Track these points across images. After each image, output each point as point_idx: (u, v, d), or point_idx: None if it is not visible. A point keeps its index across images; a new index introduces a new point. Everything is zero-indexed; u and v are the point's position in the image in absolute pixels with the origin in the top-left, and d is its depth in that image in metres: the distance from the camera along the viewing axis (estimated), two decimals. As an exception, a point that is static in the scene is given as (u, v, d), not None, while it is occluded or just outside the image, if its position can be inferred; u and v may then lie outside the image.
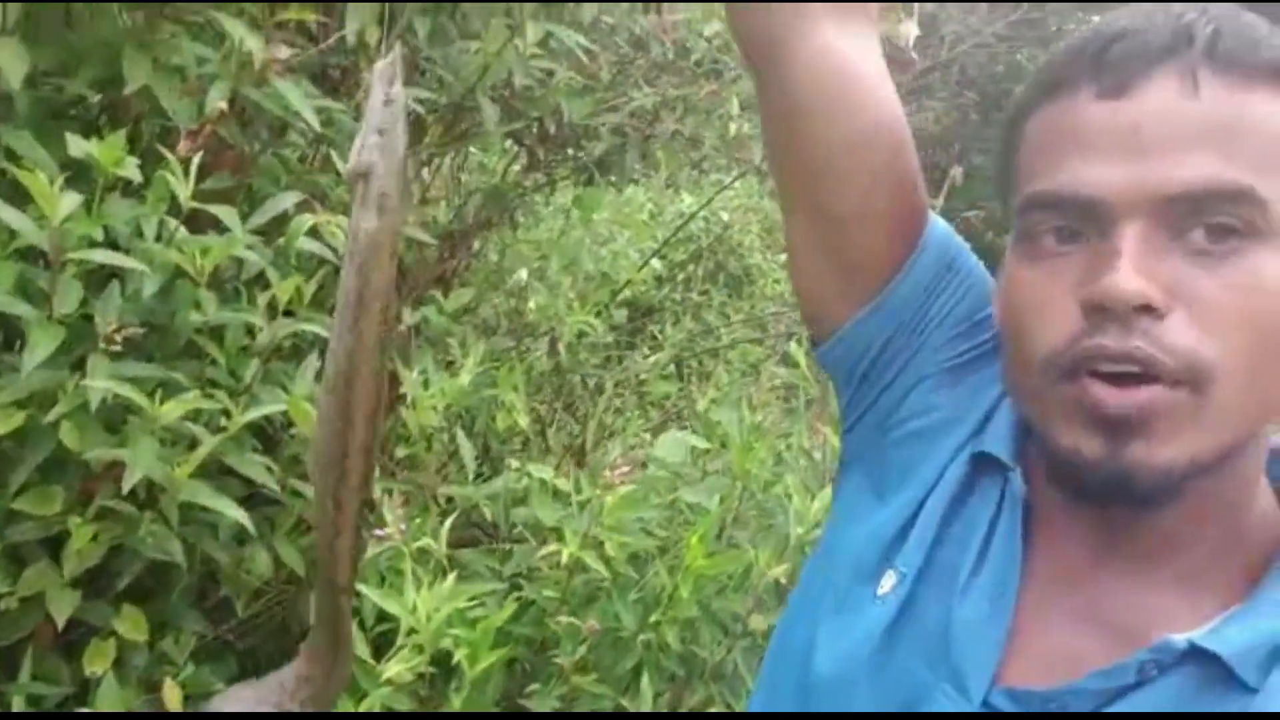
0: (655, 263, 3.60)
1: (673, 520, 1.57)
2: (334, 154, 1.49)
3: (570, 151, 1.87)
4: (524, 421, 1.73)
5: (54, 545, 1.24)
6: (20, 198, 1.10)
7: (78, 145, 1.15)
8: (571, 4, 1.60)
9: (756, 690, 0.77)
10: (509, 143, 1.86)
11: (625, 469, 1.29)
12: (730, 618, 1.34)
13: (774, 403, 2.13)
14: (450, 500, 1.47)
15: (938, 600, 0.63)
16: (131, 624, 1.32)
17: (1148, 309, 0.52)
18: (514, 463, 1.69)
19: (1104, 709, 0.56)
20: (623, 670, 1.32)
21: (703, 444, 1.56)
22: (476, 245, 1.97)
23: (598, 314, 2.46)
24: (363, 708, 1.13)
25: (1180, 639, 0.55)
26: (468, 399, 1.54)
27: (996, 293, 0.63)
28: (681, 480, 1.54)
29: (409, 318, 1.67)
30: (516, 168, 1.95)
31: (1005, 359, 0.61)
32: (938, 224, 0.71)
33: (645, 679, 1.25)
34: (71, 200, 1.09)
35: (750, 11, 0.67)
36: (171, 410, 1.10)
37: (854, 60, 0.66)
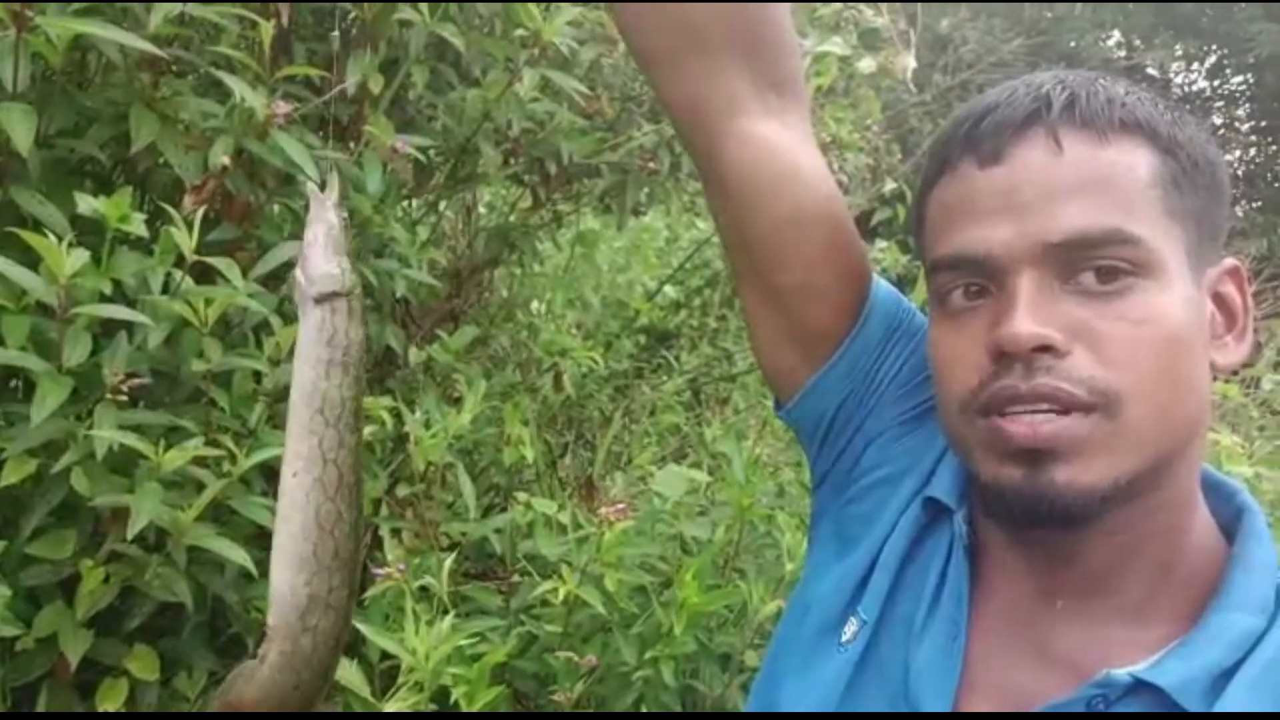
0: (671, 289, 3.63)
1: (675, 554, 1.58)
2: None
3: (573, 189, 1.91)
4: (530, 455, 1.76)
5: (67, 587, 1.28)
6: (34, 254, 1.15)
7: (86, 203, 1.19)
8: (569, 49, 1.64)
9: None
10: (512, 184, 1.90)
11: (622, 506, 1.31)
12: (729, 653, 1.35)
13: (783, 432, 2.14)
14: (456, 535, 1.49)
15: (897, 644, 0.67)
16: (143, 663, 1.35)
17: (1047, 349, 0.57)
18: (522, 496, 1.72)
19: None
20: (623, 705, 1.34)
21: (704, 477, 1.58)
22: (484, 282, 2.01)
23: (608, 345, 2.49)
24: (362, 746, 1.15)
25: (1122, 673, 0.57)
26: (471, 435, 1.57)
27: (926, 350, 0.68)
28: (683, 514, 1.56)
29: (415, 357, 1.71)
30: (524, 206, 1.99)
31: (938, 406, 0.66)
32: (881, 288, 0.75)
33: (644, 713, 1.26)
34: (79, 257, 1.14)
35: (685, 106, 0.71)
36: (175, 458, 1.14)
37: (783, 148, 0.71)
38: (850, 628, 0.69)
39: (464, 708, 1.16)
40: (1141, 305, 0.57)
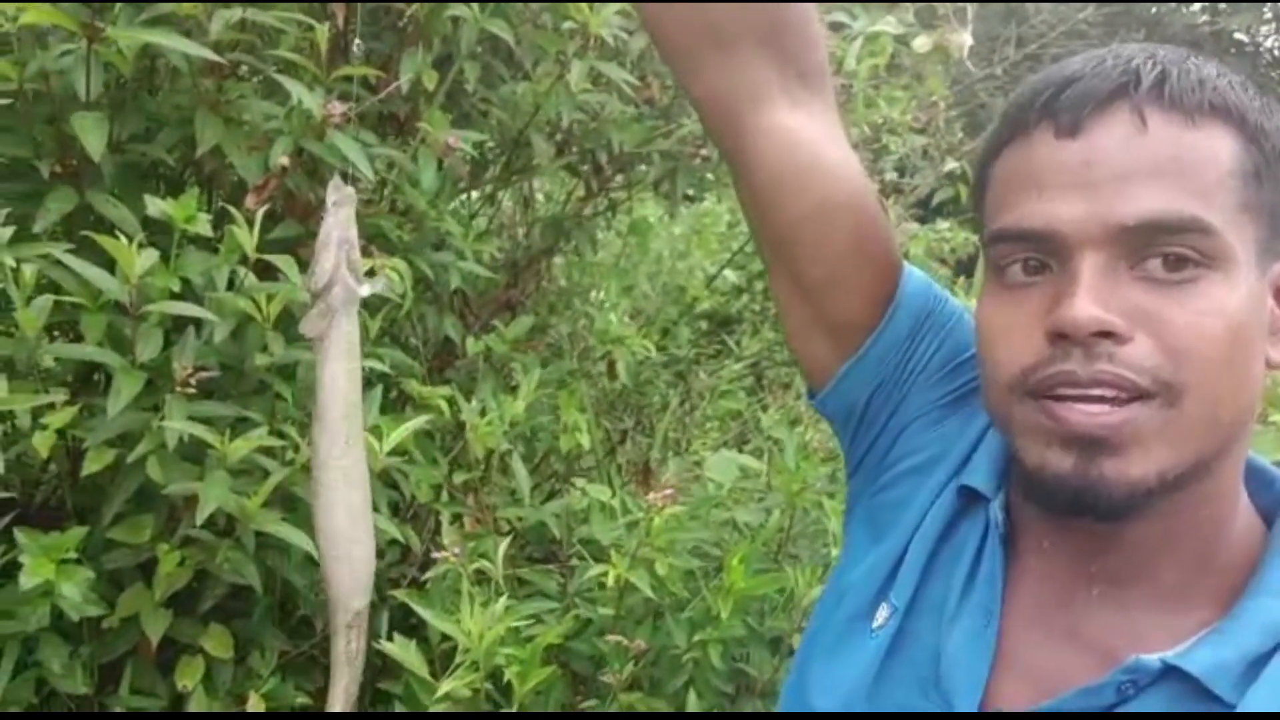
0: (733, 274, 3.63)
1: (729, 539, 1.59)
2: (396, 197, 1.59)
3: (626, 178, 1.92)
4: (587, 442, 1.78)
5: (146, 570, 1.35)
6: (109, 255, 1.22)
7: (155, 205, 1.25)
8: (618, 40, 1.65)
9: None
10: (566, 174, 1.92)
11: (670, 491, 1.33)
12: (780, 636, 1.36)
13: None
14: (514, 520, 1.53)
15: (928, 630, 0.67)
16: (218, 642, 1.42)
17: (1108, 334, 0.55)
18: (579, 482, 1.75)
19: None
20: (674, 687, 1.36)
21: (756, 463, 1.59)
22: (542, 272, 2.04)
23: (665, 332, 2.51)
24: (420, 723, 1.20)
25: (1153, 658, 0.57)
26: (527, 422, 1.60)
27: (975, 323, 0.66)
28: (735, 499, 1.57)
29: (472, 347, 1.75)
30: (578, 196, 2.02)
31: (982, 384, 0.64)
32: (912, 278, 0.75)
33: (693, 696, 1.28)
34: (149, 257, 1.20)
35: (709, 104, 0.72)
36: (240, 448, 1.20)
37: (808, 140, 0.70)
38: (881, 613, 0.69)
39: (516, 687, 1.20)
40: (1207, 296, 0.55)
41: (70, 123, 1.22)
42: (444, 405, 1.56)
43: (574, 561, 1.60)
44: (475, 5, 1.55)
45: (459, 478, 1.50)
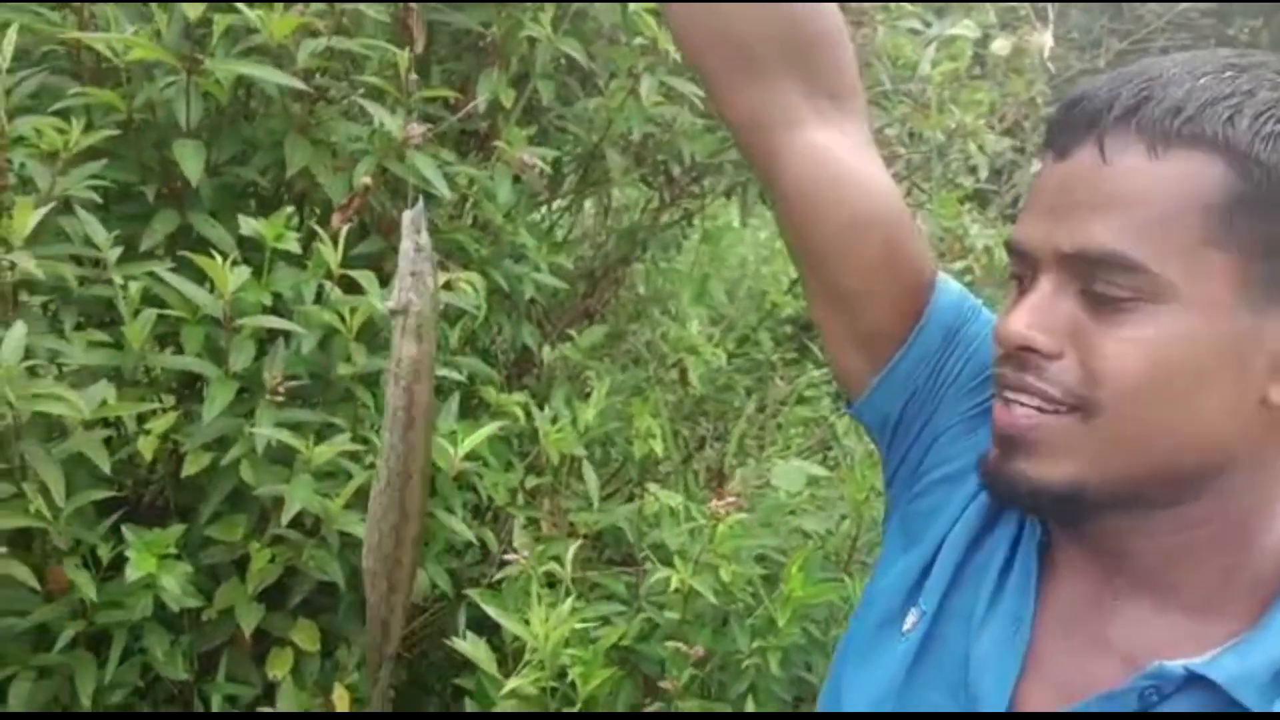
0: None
1: (796, 547, 1.60)
2: (475, 213, 1.65)
3: (698, 188, 1.95)
4: (661, 449, 1.82)
5: (241, 566, 1.45)
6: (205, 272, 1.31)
7: (248, 225, 1.34)
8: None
9: None
10: (641, 185, 1.96)
11: (733, 499, 1.35)
12: (843, 645, 1.36)
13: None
14: (586, 525, 1.58)
15: (957, 634, 0.68)
16: (306, 635, 1.51)
17: (1033, 350, 0.60)
18: (653, 488, 1.78)
19: None
20: (736, 692, 1.38)
21: (823, 471, 1.59)
22: (619, 281, 2.08)
23: (744, 339, 2.52)
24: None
25: (1176, 665, 0.58)
26: (600, 429, 1.64)
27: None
28: (805, 508, 1.58)
29: (548, 355, 1.80)
30: (653, 207, 2.05)
31: None
32: (945, 291, 0.76)
33: (751, 703, 1.30)
34: (242, 274, 1.28)
35: (743, 123, 0.74)
36: (324, 452, 1.27)
37: (838, 157, 0.72)
38: (910, 618, 0.71)
39: (579, 687, 1.24)
40: (1137, 326, 0.57)
41: (173, 149, 1.32)
42: (519, 412, 1.62)
43: (645, 566, 1.63)
44: (549, 23, 1.60)
45: (532, 482, 1.55)
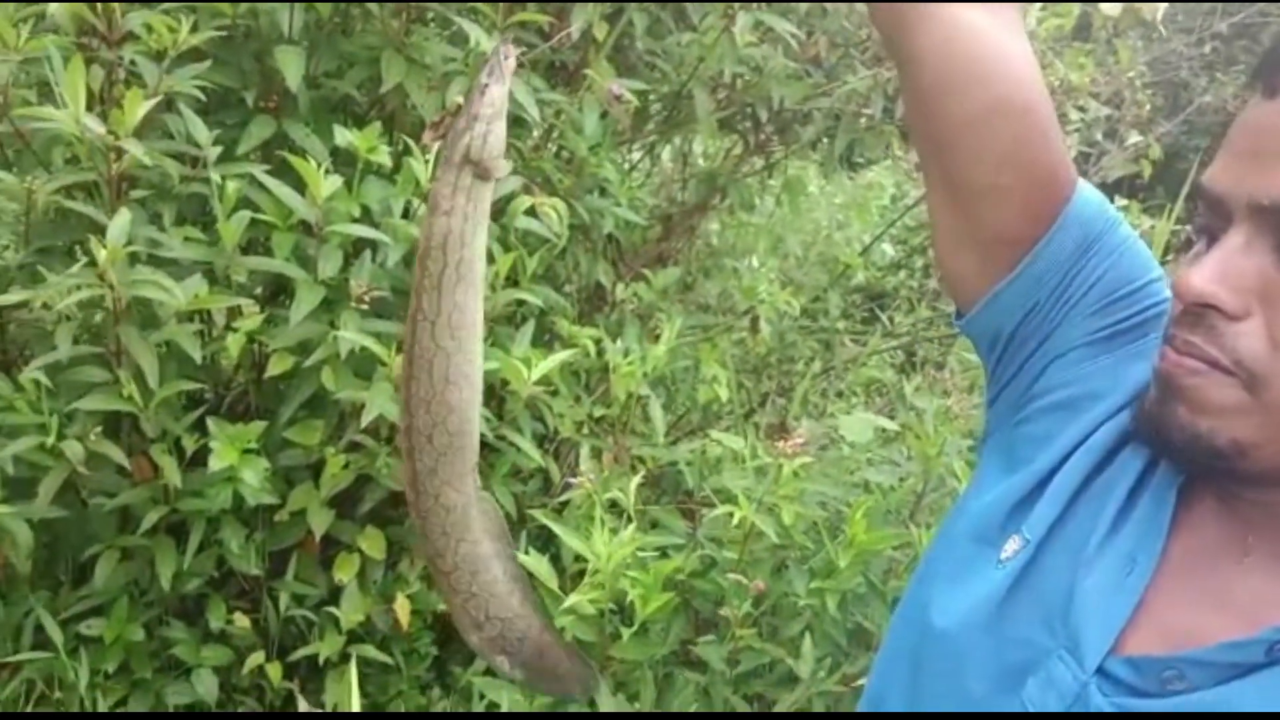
0: (891, 249, 3.55)
1: (858, 499, 1.60)
2: (561, 144, 1.66)
3: (780, 137, 1.93)
4: (725, 395, 1.82)
5: (315, 471, 1.49)
6: (298, 179, 1.34)
7: (342, 135, 1.36)
8: (785, -6, 1.66)
9: (882, 646, 0.81)
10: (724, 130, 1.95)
11: (800, 440, 1.35)
12: (900, 597, 1.36)
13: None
14: (650, 461, 1.59)
15: (1063, 567, 0.64)
16: (372, 543, 1.55)
17: (1214, 308, 0.54)
18: (713, 433, 1.79)
19: (1223, 684, 0.55)
20: (791, 633, 1.39)
21: (889, 424, 1.58)
22: (694, 227, 2.08)
23: (816, 299, 2.50)
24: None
25: None
26: (666, 366, 1.65)
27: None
28: (870, 462, 1.57)
29: (621, 293, 1.81)
30: (736, 153, 2.04)
31: None
32: (1085, 195, 0.69)
33: (807, 642, 1.31)
34: (334, 182, 1.31)
35: None
36: (398, 359, 1.29)
37: (981, 35, 0.65)
38: (1012, 545, 0.66)
39: (638, 609, 1.26)
40: None
41: (275, 56, 1.35)
42: (590, 345, 1.63)
43: (703, 510, 1.64)
44: (647, -44, 1.59)
45: (599, 413, 1.56)
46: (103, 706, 1.45)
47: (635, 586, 1.26)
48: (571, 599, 1.25)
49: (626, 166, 1.97)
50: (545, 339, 1.72)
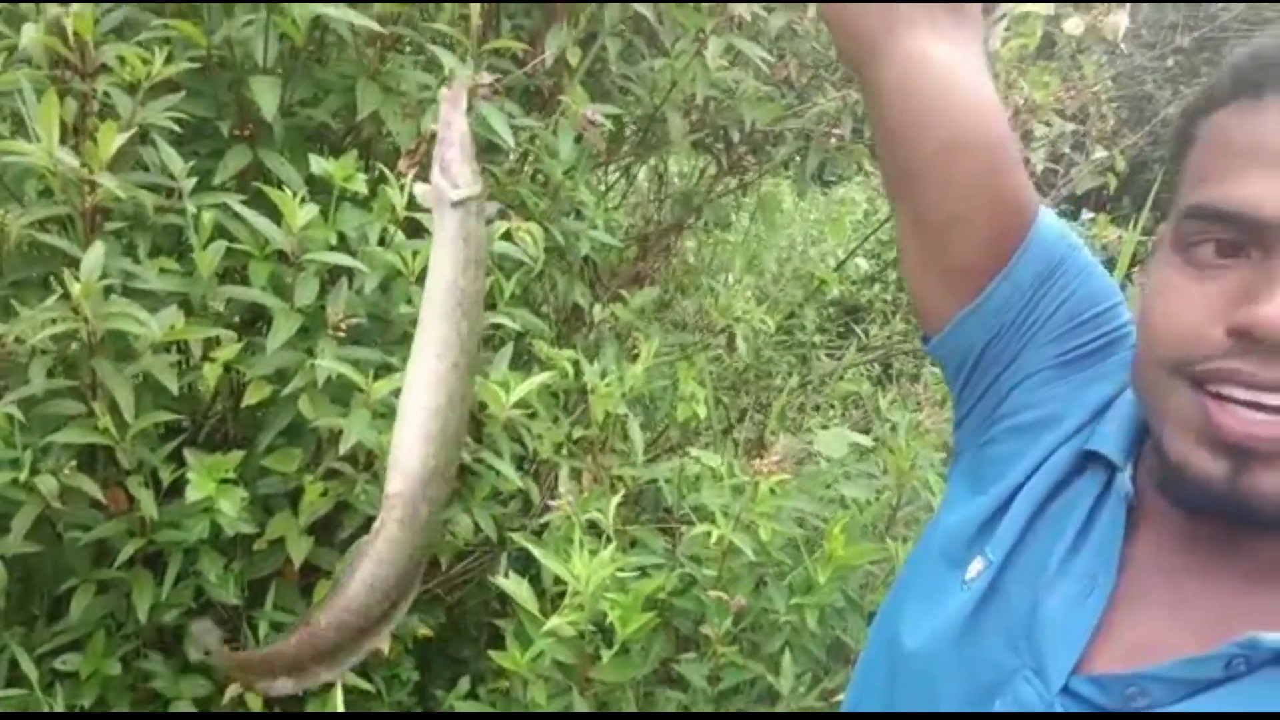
0: (865, 262, 3.59)
1: (835, 514, 1.61)
2: (536, 168, 1.67)
3: (753, 157, 1.95)
4: (703, 412, 1.83)
5: (294, 498, 1.49)
6: (275, 207, 1.34)
7: (318, 164, 1.37)
8: (759, 19, 1.68)
9: (859, 660, 0.82)
10: (699, 151, 1.97)
11: (777, 458, 1.37)
12: (877, 611, 1.37)
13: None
14: (629, 480, 1.60)
15: (1024, 587, 0.65)
16: (356, 570, 1.55)
17: None
18: (693, 450, 1.80)
19: (1185, 700, 0.56)
20: (771, 649, 1.40)
21: (864, 440, 1.60)
22: (671, 247, 2.10)
23: (790, 314, 2.52)
24: (528, 655, 1.28)
25: (1272, 636, 0.54)
26: (643, 388, 1.66)
27: (1141, 287, 0.63)
28: (846, 476, 1.59)
29: (599, 314, 1.82)
30: (710, 173, 2.06)
31: (1139, 354, 0.61)
32: (1046, 223, 0.71)
33: (787, 658, 1.32)
34: (310, 211, 1.31)
35: (843, 19, 0.69)
36: (382, 387, 1.30)
37: (945, 69, 0.67)
38: (976, 565, 0.68)
39: (618, 629, 1.26)
40: None
41: (249, 86, 1.35)
42: (568, 367, 1.64)
43: (682, 529, 1.65)
44: (619, -16, 1.61)
45: (578, 434, 1.57)
46: (80, 741, 1.43)
47: (615, 608, 1.27)
48: (551, 622, 1.25)
49: (603, 188, 1.99)
50: (524, 361, 1.73)
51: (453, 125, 0.70)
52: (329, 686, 1.51)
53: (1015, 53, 1.80)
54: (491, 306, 1.55)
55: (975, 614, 0.67)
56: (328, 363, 1.29)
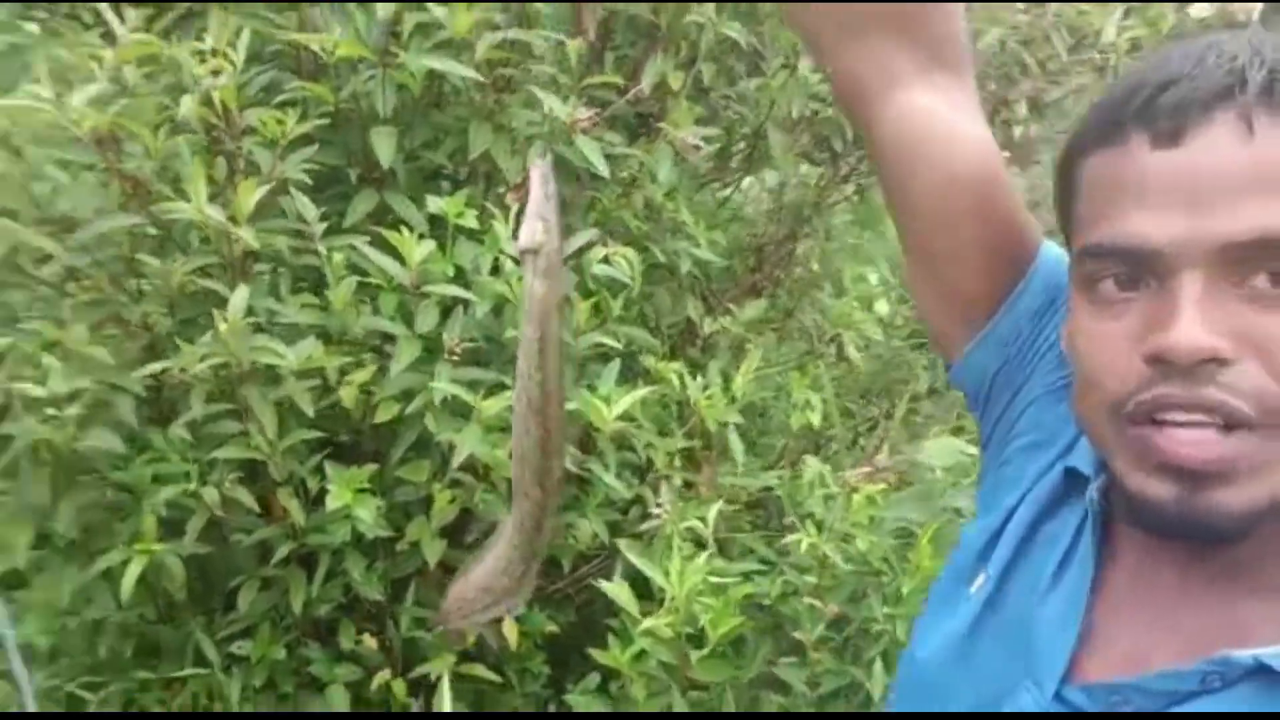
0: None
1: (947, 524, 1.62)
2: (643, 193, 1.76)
3: (862, 163, 1.97)
4: (817, 420, 1.87)
5: (426, 504, 1.64)
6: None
7: (434, 203, 1.51)
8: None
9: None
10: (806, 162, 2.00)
11: (867, 469, 1.39)
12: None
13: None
14: (733, 488, 1.66)
15: (1021, 600, 0.69)
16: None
17: (1213, 360, 0.53)
18: (809, 459, 1.84)
19: (1169, 710, 0.59)
20: (870, 656, 1.42)
21: (972, 451, 1.59)
22: (785, 258, 2.14)
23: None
24: (628, 654, 1.37)
25: (1244, 655, 0.56)
26: (752, 397, 1.72)
27: (1063, 334, 0.66)
28: (952, 485, 1.58)
29: (709, 326, 1.89)
30: (822, 183, 2.09)
31: (1073, 398, 0.64)
32: (1049, 254, 0.74)
33: (878, 665, 1.34)
34: (426, 247, 1.46)
35: (844, 83, 0.75)
36: (492, 405, 1.42)
37: (938, 117, 0.72)
38: (979, 579, 0.72)
39: (709, 632, 1.33)
40: None
41: (371, 136, 1.51)
42: (674, 379, 1.72)
43: (787, 535, 1.70)
44: (711, 9, 1.68)
45: (681, 444, 1.64)
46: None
47: (708, 611, 1.34)
48: (647, 623, 1.34)
49: (715, 203, 2.05)
50: (632, 375, 1.82)
51: (533, 193, 0.81)
52: (461, 678, 1.66)
53: (1132, 43, 1.73)
54: (600, 325, 1.65)
55: (977, 624, 0.71)
56: (442, 385, 1.42)
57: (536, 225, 0.82)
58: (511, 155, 1.62)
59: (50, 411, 1.33)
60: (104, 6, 1.42)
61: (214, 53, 1.40)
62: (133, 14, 1.44)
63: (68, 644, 1.67)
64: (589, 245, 1.58)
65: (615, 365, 1.65)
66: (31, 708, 1.27)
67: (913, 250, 0.77)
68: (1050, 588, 0.68)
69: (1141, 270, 0.56)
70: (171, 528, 1.46)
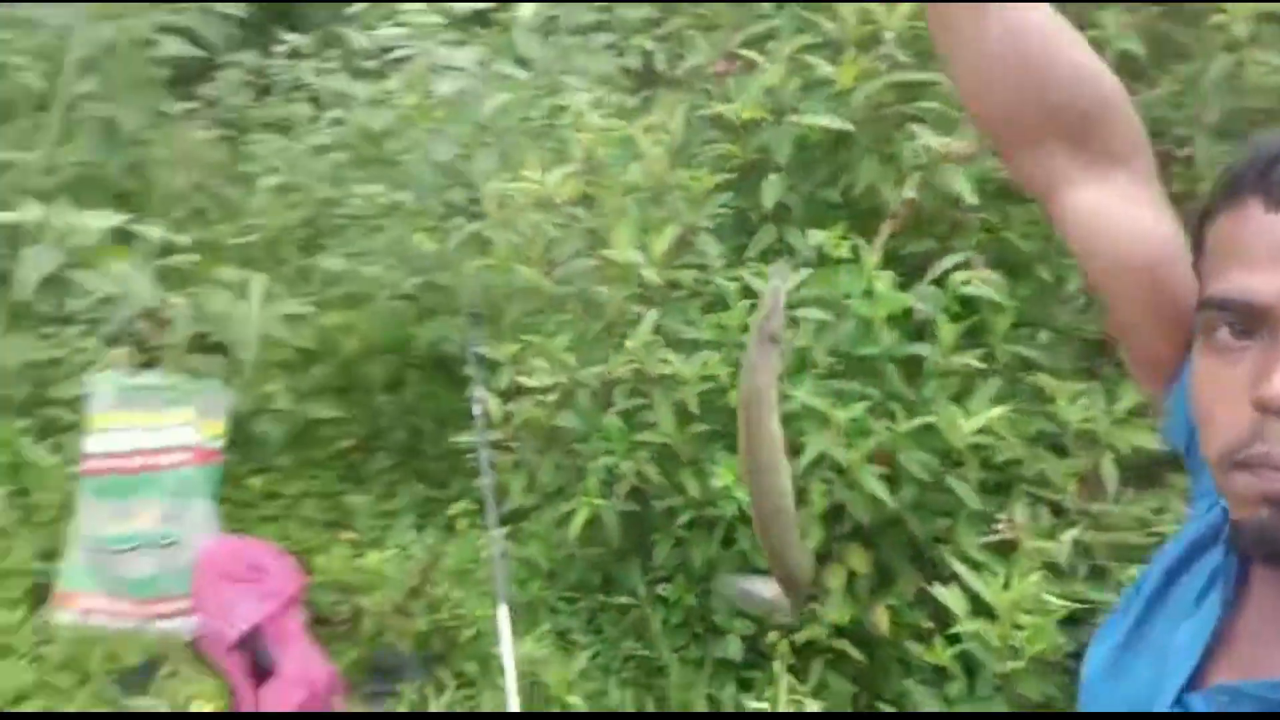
0: None
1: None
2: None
3: None
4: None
5: (798, 495, 1.88)
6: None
7: (814, 236, 1.76)
8: None
9: None
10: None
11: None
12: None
13: None
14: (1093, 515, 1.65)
15: (1169, 622, 0.76)
16: (858, 558, 1.89)
17: None
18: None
19: (1270, 712, 0.66)
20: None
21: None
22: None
23: None
24: (949, 653, 1.50)
25: None
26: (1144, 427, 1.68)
27: (1188, 380, 0.73)
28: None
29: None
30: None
31: (1200, 442, 0.70)
32: None
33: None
34: (804, 273, 1.71)
35: (1022, 178, 0.84)
36: (842, 414, 1.64)
37: (1104, 211, 0.79)
38: (1136, 604, 0.79)
39: (1024, 647, 1.41)
40: None
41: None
42: (1061, 400, 1.73)
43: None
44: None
45: (1053, 464, 1.68)
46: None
47: (1026, 628, 1.41)
48: (964, 626, 1.45)
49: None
50: (1021, 393, 1.85)
51: (769, 305, 0.98)
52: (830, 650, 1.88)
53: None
54: (975, 343, 1.75)
55: (1126, 642, 0.79)
56: (802, 395, 1.67)
57: (780, 320, 0.98)
58: (894, 186, 1.79)
59: (538, 398, 1.86)
60: (582, 97, 1.91)
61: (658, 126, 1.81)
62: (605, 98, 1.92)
63: (557, 565, 2.24)
64: (955, 267, 1.70)
65: (994, 382, 1.73)
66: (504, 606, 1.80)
67: (1109, 320, 0.86)
68: (1189, 614, 0.74)
69: (1254, 322, 0.63)
70: (604, 490, 1.92)
